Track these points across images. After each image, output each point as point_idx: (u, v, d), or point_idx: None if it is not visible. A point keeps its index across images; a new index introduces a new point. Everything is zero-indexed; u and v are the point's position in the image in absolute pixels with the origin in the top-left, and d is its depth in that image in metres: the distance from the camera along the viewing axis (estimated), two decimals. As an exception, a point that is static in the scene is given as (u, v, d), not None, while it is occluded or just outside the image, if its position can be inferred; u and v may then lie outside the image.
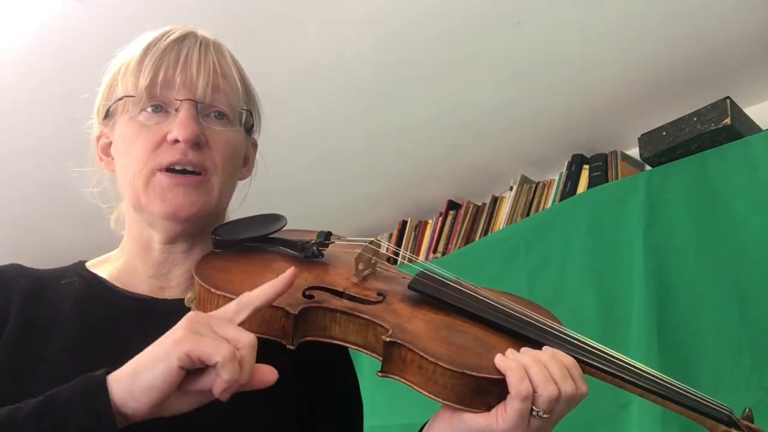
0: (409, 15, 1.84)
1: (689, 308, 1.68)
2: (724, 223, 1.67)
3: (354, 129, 2.39)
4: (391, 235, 3.03)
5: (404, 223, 2.98)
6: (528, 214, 2.38)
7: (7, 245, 3.19)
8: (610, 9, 1.77)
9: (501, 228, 2.45)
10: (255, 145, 0.97)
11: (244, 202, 0.96)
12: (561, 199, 2.25)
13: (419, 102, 2.20)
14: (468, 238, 2.61)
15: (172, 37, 0.84)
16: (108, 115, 0.86)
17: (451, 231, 2.72)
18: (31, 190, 2.74)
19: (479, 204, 2.70)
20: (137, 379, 0.60)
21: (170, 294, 0.86)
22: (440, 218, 2.80)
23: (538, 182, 2.46)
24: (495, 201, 2.61)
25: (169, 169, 0.80)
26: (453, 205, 2.79)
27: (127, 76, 0.82)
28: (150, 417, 0.61)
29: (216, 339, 0.60)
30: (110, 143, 0.87)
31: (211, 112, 0.84)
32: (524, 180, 2.51)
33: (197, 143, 0.81)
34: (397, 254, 2.26)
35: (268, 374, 0.64)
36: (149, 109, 0.82)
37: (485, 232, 2.56)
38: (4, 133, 2.40)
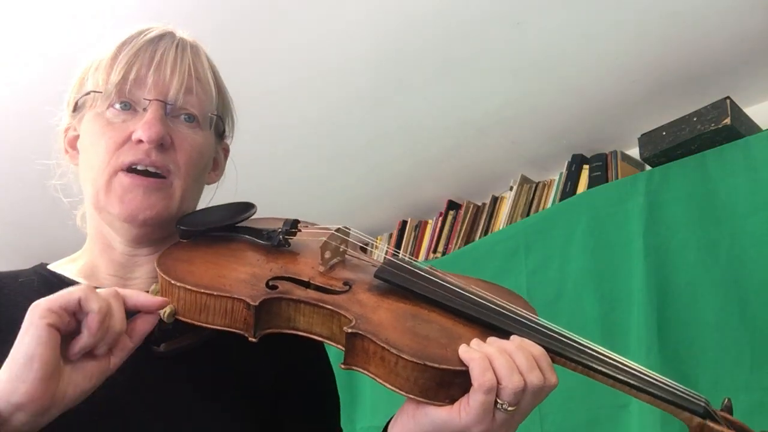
0: (409, 15, 1.84)
1: (689, 308, 1.67)
2: (724, 223, 1.66)
3: (354, 129, 2.39)
4: (391, 235, 3.03)
5: (404, 223, 2.98)
6: (528, 214, 2.38)
7: (7, 245, 3.18)
8: (610, 9, 1.77)
9: (501, 228, 2.45)
10: (226, 150, 0.95)
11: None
12: (561, 199, 2.25)
13: (419, 102, 2.20)
14: (468, 238, 2.61)
15: (149, 36, 0.82)
16: (77, 108, 0.85)
17: (451, 231, 2.72)
18: (27, 188, 2.73)
19: (479, 204, 2.70)
20: (14, 360, 0.57)
21: (134, 288, 0.83)
22: (440, 218, 2.80)
23: (538, 182, 2.46)
24: (495, 201, 2.61)
25: (131, 170, 0.79)
26: (453, 205, 2.79)
27: (99, 71, 0.81)
28: (54, 405, 0.59)
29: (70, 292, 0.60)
30: (77, 136, 0.86)
31: (180, 114, 0.83)
32: (524, 180, 2.51)
33: (161, 144, 0.79)
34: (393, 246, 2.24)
35: (148, 320, 0.66)
36: (117, 106, 0.80)
37: (485, 232, 2.56)
38: (2, 131, 2.40)
